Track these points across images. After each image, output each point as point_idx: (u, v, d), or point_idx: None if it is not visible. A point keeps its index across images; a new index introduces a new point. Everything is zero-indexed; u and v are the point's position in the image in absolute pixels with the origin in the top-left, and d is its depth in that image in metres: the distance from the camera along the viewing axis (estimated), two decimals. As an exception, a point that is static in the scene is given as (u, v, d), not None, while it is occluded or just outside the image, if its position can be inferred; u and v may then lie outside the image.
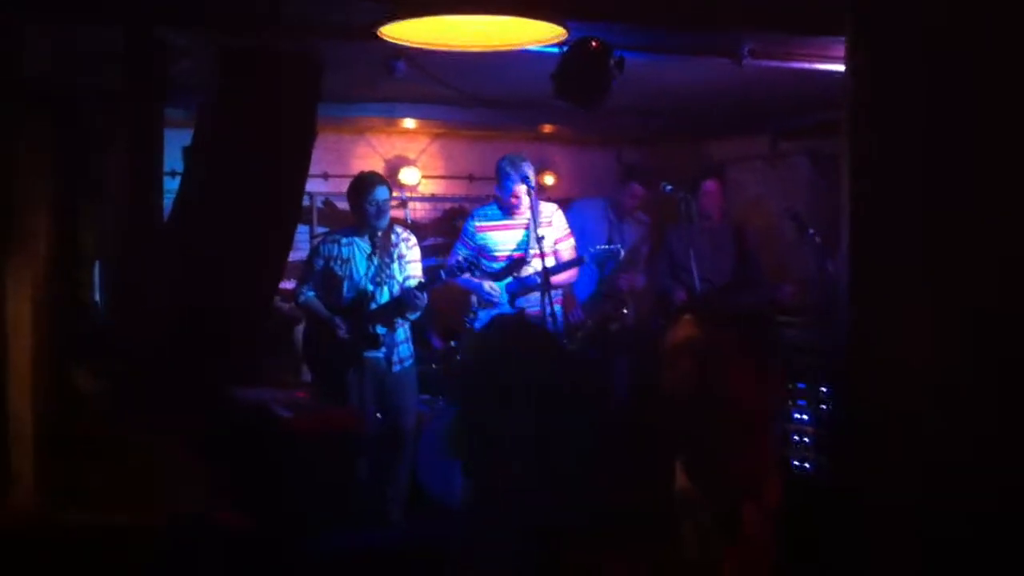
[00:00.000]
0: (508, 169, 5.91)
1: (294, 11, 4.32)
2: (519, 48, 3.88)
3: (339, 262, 5.77)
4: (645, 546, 1.77)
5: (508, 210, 5.98)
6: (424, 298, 5.69)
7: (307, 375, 6.60)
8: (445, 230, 7.77)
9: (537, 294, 5.81)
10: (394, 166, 7.61)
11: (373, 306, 5.71)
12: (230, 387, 4.85)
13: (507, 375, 1.75)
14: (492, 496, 1.69)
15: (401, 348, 5.84)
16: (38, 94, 4.80)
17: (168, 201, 4.68)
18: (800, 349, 6.42)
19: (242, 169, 4.56)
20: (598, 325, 6.30)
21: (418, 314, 5.87)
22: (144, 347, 4.27)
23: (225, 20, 4.29)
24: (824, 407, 5.43)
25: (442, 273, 5.72)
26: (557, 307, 5.95)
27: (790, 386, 6.37)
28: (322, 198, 7.33)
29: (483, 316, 6.03)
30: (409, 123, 7.40)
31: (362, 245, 5.78)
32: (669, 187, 6.42)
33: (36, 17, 4.11)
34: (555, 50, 4.79)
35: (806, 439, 6.09)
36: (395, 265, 5.78)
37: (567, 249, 6.07)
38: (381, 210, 5.72)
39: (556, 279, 5.87)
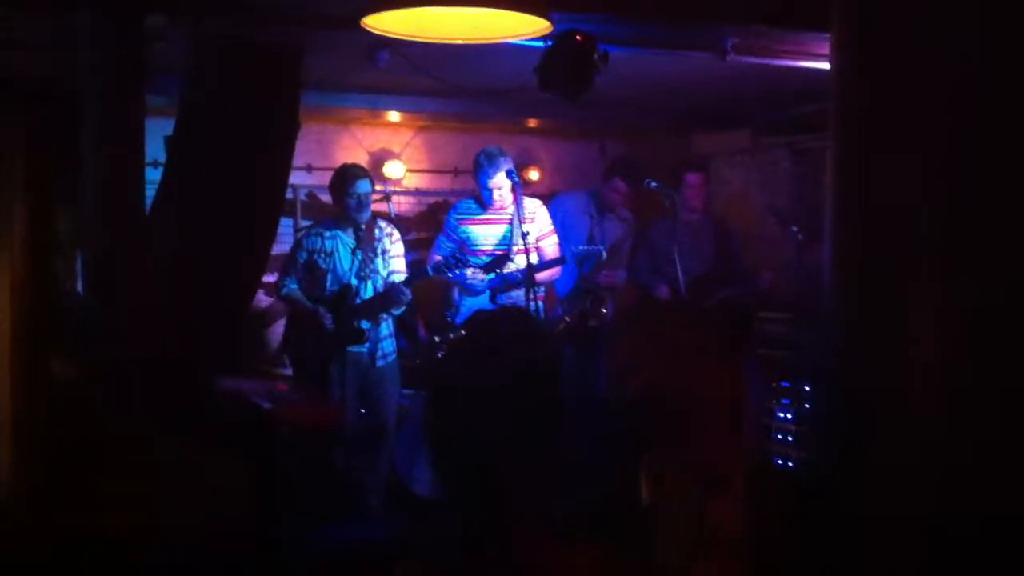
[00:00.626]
0: (483, 162, 5.85)
1: (278, 2, 4.31)
2: (503, 41, 3.87)
3: (322, 255, 5.75)
4: (612, 545, 1.76)
5: (486, 204, 5.94)
6: (409, 293, 5.67)
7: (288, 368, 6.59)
8: (429, 224, 7.75)
9: (520, 291, 5.78)
10: (378, 159, 7.58)
11: (357, 300, 5.70)
12: (211, 378, 4.83)
13: (482, 368, 1.74)
14: (457, 488, 1.69)
15: (385, 343, 5.83)
16: (13, 80, 4.77)
17: (151, 191, 4.66)
18: (782, 345, 6.44)
19: (224, 159, 4.55)
20: (576, 321, 6.28)
21: (403, 309, 5.86)
22: (125, 337, 4.25)
23: (204, 6, 4.27)
24: (808, 405, 5.44)
25: (428, 269, 5.70)
26: (540, 303, 5.94)
27: (773, 384, 6.39)
28: (306, 190, 7.31)
29: (464, 310, 5.99)
30: (393, 115, 7.38)
31: (345, 239, 5.76)
32: (654, 183, 6.42)
33: (12, 4, 4.09)
34: (540, 43, 4.80)
35: (789, 437, 6.11)
36: (379, 259, 5.76)
37: (550, 246, 6.03)
38: (363, 203, 5.70)
39: (538, 276, 5.83)
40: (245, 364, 6.96)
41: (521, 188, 5.86)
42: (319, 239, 5.77)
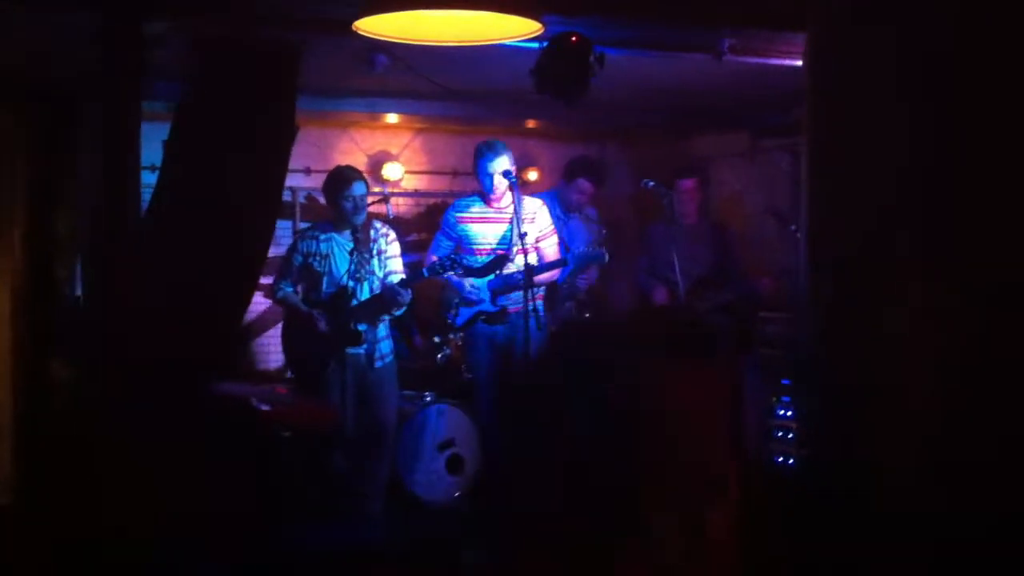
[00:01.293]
0: (483, 149, 5.84)
1: (273, 3, 4.32)
2: (496, 43, 3.88)
3: (318, 258, 5.75)
4: (607, 549, 1.75)
5: (489, 201, 5.89)
6: (407, 295, 5.67)
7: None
8: (428, 226, 7.75)
9: (520, 292, 5.76)
10: (377, 161, 7.59)
11: (354, 302, 5.70)
12: (209, 380, 4.84)
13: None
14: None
15: (382, 344, 5.83)
16: (13, 84, 4.79)
17: (148, 195, 4.67)
18: (782, 345, 6.44)
19: (220, 162, 4.56)
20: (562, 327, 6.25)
21: (402, 310, 5.86)
22: (121, 339, 4.26)
23: (201, 9, 4.28)
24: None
25: (424, 271, 5.69)
26: (539, 302, 5.91)
27: (773, 384, 6.39)
28: (304, 193, 7.31)
29: (464, 312, 5.99)
30: (392, 118, 7.38)
31: (341, 241, 5.76)
32: (651, 183, 6.41)
33: (10, 5, 4.10)
34: (536, 45, 4.80)
35: (789, 435, 6.12)
36: (375, 260, 5.77)
37: (550, 246, 6.01)
38: (358, 206, 5.71)
39: (539, 278, 5.81)
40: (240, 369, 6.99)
41: (519, 188, 5.84)
42: (314, 242, 5.77)
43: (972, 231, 1.73)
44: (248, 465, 4.72)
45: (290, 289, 5.83)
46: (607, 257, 6.09)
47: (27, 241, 5.05)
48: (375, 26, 3.52)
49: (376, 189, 7.44)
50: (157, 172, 4.86)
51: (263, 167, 4.75)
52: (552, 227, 6.08)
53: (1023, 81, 1.69)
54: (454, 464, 6.27)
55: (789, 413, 6.17)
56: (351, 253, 5.73)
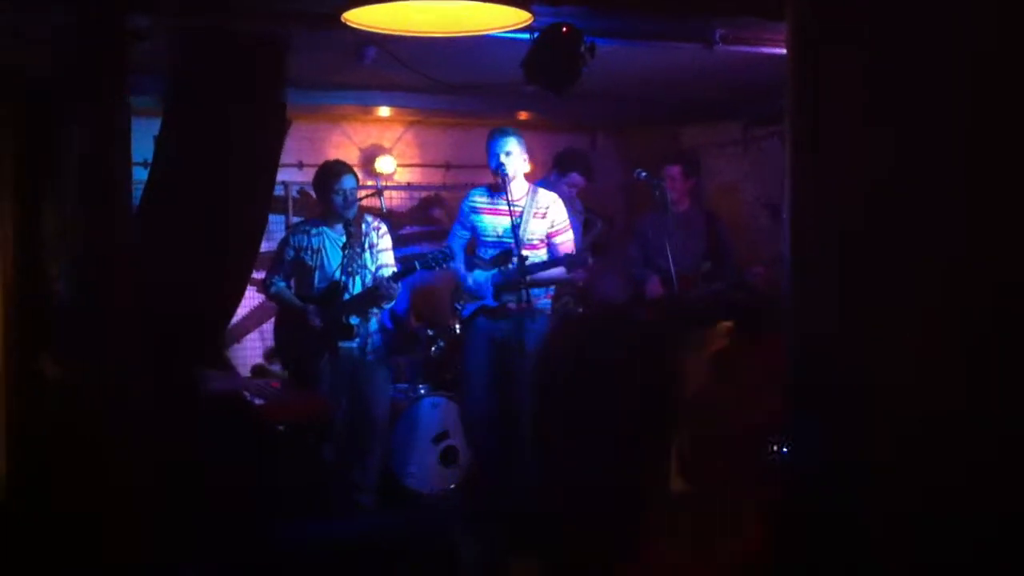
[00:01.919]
0: (493, 132, 5.69)
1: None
2: (484, 33, 3.87)
3: (309, 252, 5.75)
4: (636, 545, 1.75)
5: (498, 191, 5.74)
6: (398, 288, 5.67)
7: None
8: (421, 219, 7.76)
9: (534, 288, 5.64)
10: (370, 154, 7.59)
11: (346, 296, 5.70)
12: (201, 375, 4.84)
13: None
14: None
15: (374, 337, 5.83)
16: (2, 90, 4.76)
17: (139, 191, 4.66)
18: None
19: (210, 157, 4.55)
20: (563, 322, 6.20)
21: (392, 303, 5.85)
22: (115, 336, 4.25)
23: (186, 2, 4.27)
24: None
25: (416, 264, 5.67)
26: (546, 302, 5.84)
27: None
28: (297, 187, 7.31)
29: (468, 306, 5.92)
30: (384, 111, 7.38)
31: (332, 235, 5.76)
32: (644, 173, 6.40)
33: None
34: (526, 36, 4.80)
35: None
36: (367, 254, 5.76)
37: (565, 242, 5.83)
38: (348, 199, 5.70)
39: (544, 274, 5.73)
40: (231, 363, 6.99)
41: (511, 178, 5.70)
42: (305, 236, 5.77)
43: (959, 225, 1.72)
44: (242, 459, 4.72)
45: (283, 284, 5.83)
46: (590, 261, 6.01)
47: (16, 239, 5.03)
48: (363, 17, 3.51)
49: (369, 183, 7.44)
50: (149, 168, 4.86)
51: (254, 161, 4.75)
52: (567, 222, 5.90)
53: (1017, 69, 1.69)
54: (448, 456, 6.27)
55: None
56: (343, 248, 5.72)
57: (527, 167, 5.88)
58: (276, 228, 6.61)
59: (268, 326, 6.91)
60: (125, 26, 4.20)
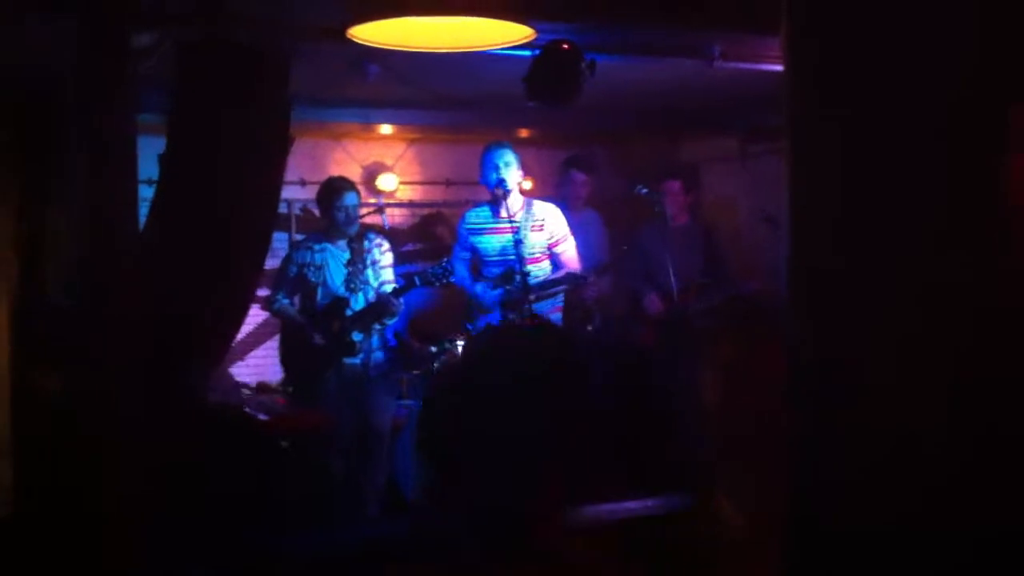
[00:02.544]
0: (489, 145, 5.72)
1: (262, 11, 4.34)
2: (487, 49, 3.91)
3: (312, 268, 5.78)
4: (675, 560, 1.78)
5: (495, 207, 5.78)
6: (400, 304, 5.70)
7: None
8: (423, 236, 7.79)
9: (547, 301, 5.67)
10: (371, 172, 7.63)
11: (348, 312, 5.72)
12: (205, 391, 4.86)
13: (488, 377, 1.75)
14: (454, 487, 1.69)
15: (377, 353, 5.85)
16: (5, 95, 4.80)
17: (144, 209, 4.68)
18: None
19: (214, 174, 4.58)
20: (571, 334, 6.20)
21: (395, 319, 5.88)
22: (120, 351, 4.27)
23: (187, 19, 4.30)
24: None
25: (417, 279, 5.69)
26: (557, 315, 5.83)
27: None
28: (300, 204, 7.35)
29: (480, 322, 5.92)
30: (386, 128, 7.42)
31: (335, 251, 5.80)
32: (644, 189, 6.43)
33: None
34: (527, 53, 4.84)
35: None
36: (369, 271, 5.79)
37: (567, 251, 5.84)
38: (350, 216, 5.75)
39: (551, 289, 5.74)
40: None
41: (511, 192, 5.71)
42: (308, 252, 5.81)
43: (954, 235, 1.76)
44: (245, 471, 4.74)
45: (286, 301, 5.87)
46: (591, 279, 6.01)
47: (20, 254, 5.06)
48: (367, 33, 3.56)
49: (371, 200, 7.48)
50: (154, 186, 4.88)
51: (258, 178, 4.77)
52: (567, 231, 5.89)
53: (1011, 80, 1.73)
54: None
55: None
56: (347, 264, 5.76)
57: (523, 181, 5.90)
58: (280, 245, 6.63)
59: (272, 343, 6.93)
60: (130, 43, 4.24)
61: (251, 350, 7.25)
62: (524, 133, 7.65)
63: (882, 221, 1.79)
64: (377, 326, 5.80)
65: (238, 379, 7.05)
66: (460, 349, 6.40)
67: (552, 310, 5.80)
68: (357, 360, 5.75)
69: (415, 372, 6.79)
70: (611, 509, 4.49)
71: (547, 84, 4.97)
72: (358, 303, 5.75)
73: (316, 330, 5.69)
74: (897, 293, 1.80)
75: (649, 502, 4.90)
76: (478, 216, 5.90)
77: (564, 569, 1.61)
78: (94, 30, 4.09)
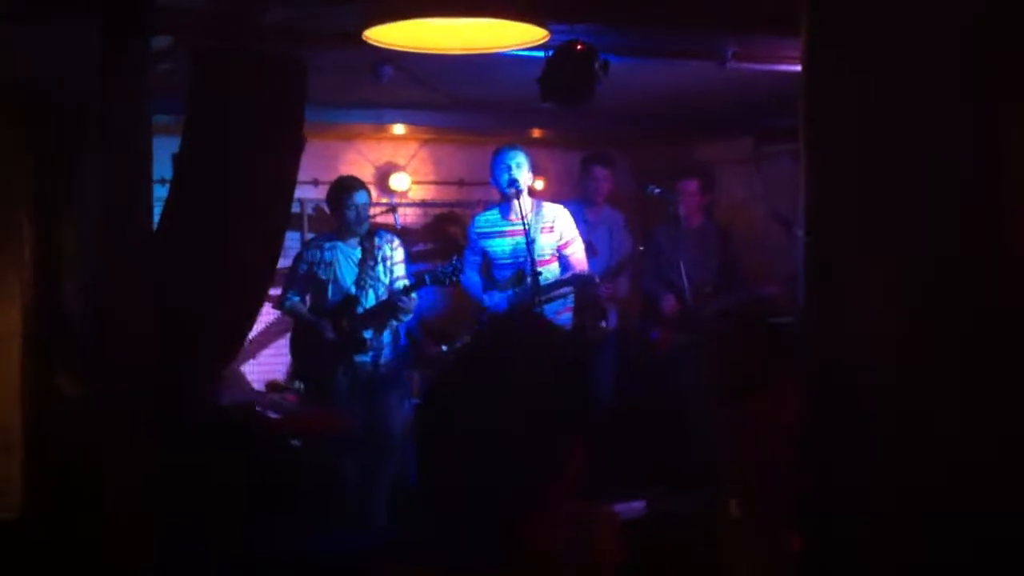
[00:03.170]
0: (498, 148, 5.73)
1: (279, 16, 4.35)
2: (502, 51, 3.91)
3: (322, 266, 5.80)
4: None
5: (505, 210, 5.79)
6: (411, 301, 5.70)
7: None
8: (435, 236, 7.79)
9: (554, 303, 5.66)
10: (384, 172, 7.63)
11: (359, 310, 5.73)
12: (217, 390, 4.87)
13: (485, 372, 1.75)
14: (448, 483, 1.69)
15: (388, 351, 5.86)
16: (18, 97, 4.81)
17: (159, 209, 4.69)
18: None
19: (228, 175, 4.59)
20: (576, 332, 6.17)
21: (408, 317, 5.88)
22: (132, 353, 4.28)
23: (206, 23, 4.31)
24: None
25: (427, 277, 5.69)
26: (567, 315, 5.82)
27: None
28: (313, 204, 7.35)
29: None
30: (398, 129, 7.42)
31: (346, 250, 5.82)
32: (657, 189, 6.42)
33: (10, 18, 4.13)
34: (540, 54, 4.84)
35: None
36: (380, 268, 5.80)
37: (576, 252, 5.85)
38: (361, 215, 5.76)
39: (559, 291, 5.73)
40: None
41: (525, 192, 5.69)
42: (319, 251, 5.83)
43: (971, 238, 1.75)
44: (258, 473, 4.75)
45: (297, 299, 5.88)
46: (597, 279, 5.97)
47: (36, 256, 5.07)
48: (381, 35, 3.56)
49: (383, 200, 7.49)
50: (168, 186, 4.89)
51: (271, 178, 4.78)
52: (576, 233, 5.90)
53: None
54: (463, 471, 6.26)
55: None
56: (358, 262, 5.77)
57: (535, 182, 5.89)
58: (292, 245, 6.63)
59: (284, 341, 6.94)
60: (147, 46, 4.25)
61: (263, 348, 7.26)
62: (537, 134, 7.65)
63: (900, 220, 1.78)
64: (393, 323, 5.80)
65: (250, 378, 7.07)
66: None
67: (563, 310, 5.80)
68: (368, 358, 5.76)
69: (426, 371, 6.80)
70: (619, 509, 4.48)
71: (561, 85, 4.97)
72: (368, 301, 5.76)
73: (327, 328, 5.69)
74: (914, 292, 1.79)
75: (658, 502, 4.90)
76: (487, 220, 5.90)
77: (561, 569, 1.60)
78: (114, 33, 4.10)
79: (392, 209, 7.52)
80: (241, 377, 6.97)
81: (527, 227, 5.58)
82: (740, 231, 7.03)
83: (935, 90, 1.75)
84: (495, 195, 6.17)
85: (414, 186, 7.70)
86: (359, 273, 5.77)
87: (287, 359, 6.27)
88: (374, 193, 6.91)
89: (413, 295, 5.69)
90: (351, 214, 5.75)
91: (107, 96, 4.24)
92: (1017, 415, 1.71)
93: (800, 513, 1.90)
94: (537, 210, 5.77)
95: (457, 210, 7.77)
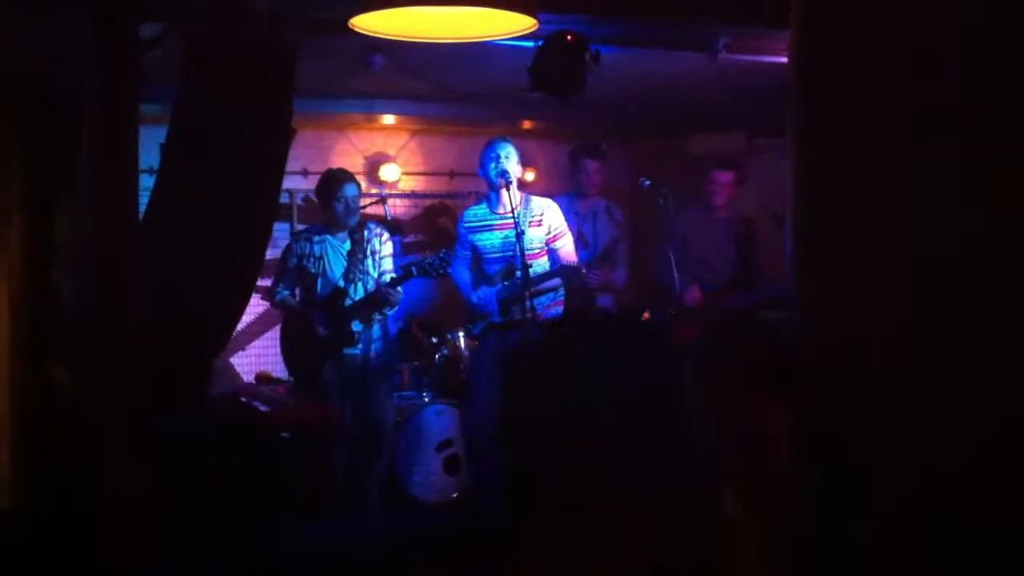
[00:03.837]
0: (490, 140, 5.69)
1: (269, 4, 4.32)
2: (492, 40, 3.88)
3: (312, 259, 5.79)
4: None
5: (494, 204, 5.76)
6: (398, 294, 5.69)
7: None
8: (425, 227, 7.78)
9: (540, 297, 5.64)
10: (374, 162, 7.61)
11: (348, 302, 5.72)
12: (207, 382, 4.85)
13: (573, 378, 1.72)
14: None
15: (377, 344, 5.84)
16: (8, 88, 4.78)
17: (145, 198, 4.67)
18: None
19: (216, 164, 4.56)
20: (569, 319, 6.13)
21: (394, 309, 5.87)
22: (121, 342, 4.26)
23: (196, 11, 4.29)
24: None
25: (414, 269, 5.67)
26: (557, 309, 5.80)
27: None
28: (302, 195, 7.34)
29: (479, 323, 5.88)
30: (388, 119, 7.40)
31: (335, 242, 5.81)
32: (648, 182, 6.40)
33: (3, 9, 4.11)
34: (531, 44, 4.81)
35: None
36: (368, 261, 5.79)
37: (565, 245, 5.81)
38: (350, 207, 5.75)
39: (546, 284, 5.70)
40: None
41: (515, 185, 5.67)
42: (308, 243, 5.82)
43: (961, 229, 1.74)
44: (248, 466, 4.73)
45: (287, 292, 5.88)
46: (585, 271, 5.92)
47: (25, 244, 5.05)
48: (370, 23, 3.53)
49: (374, 191, 7.47)
50: (155, 175, 4.87)
51: (260, 168, 4.75)
52: (564, 226, 5.86)
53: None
54: (452, 464, 6.27)
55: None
56: (348, 255, 5.76)
57: (526, 173, 5.86)
58: (281, 235, 6.63)
59: (273, 333, 6.92)
60: (135, 34, 4.22)
61: (252, 340, 7.24)
62: (528, 125, 7.63)
63: (892, 212, 1.76)
64: (378, 316, 5.79)
65: (239, 369, 7.06)
66: (461, 342, 6.40)
67: (552, 304, 5.78)
68: (357, 350, 5.75)
69: (415, 363, 6.80)
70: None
71: (551, 75, 4.94)
72: (357, 293, 5.75)
73: (317, 321, 5.69)
74: (908, 282, 1.77)
75: (656, 499, 4.89)
76: (476, 214, 5.86)
77: (568, 563, 1.59)
78: (102, 19, 4.07)
79: (382, 200, 7.49)
80: (230, 369, 6.95)
81: (516, 220, 5.54)
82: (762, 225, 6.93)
83: (930, 82, 1.74)
84: (485, 187, 6.15)
85: (404, 177, 7.68)
86: (348, 266, 5.76)
87: (277, 351, 6.25)
88: (364, 184, 6.89)
89: (399, 288, 5.68)
90: (341, 206, 5.74)
91: (96, 83, 4.21)
92: (1017, 415, 1.70)
93: (799, 513, 1.89)
94: (526, 203, 5.74)
95: (448, 201, 7.75)
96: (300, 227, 7.02)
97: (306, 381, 5.84)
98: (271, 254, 5.54)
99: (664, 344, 1.88)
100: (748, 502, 1.81)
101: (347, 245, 5.79)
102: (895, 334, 1.77)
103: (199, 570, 4.29)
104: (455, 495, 6.26)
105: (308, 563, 4.46)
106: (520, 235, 5.48)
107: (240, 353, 7.17)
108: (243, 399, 5.53)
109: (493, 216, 5.76)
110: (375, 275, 5.79)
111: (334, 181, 5.80)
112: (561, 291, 5.85)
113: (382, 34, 3.64)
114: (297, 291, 5.93)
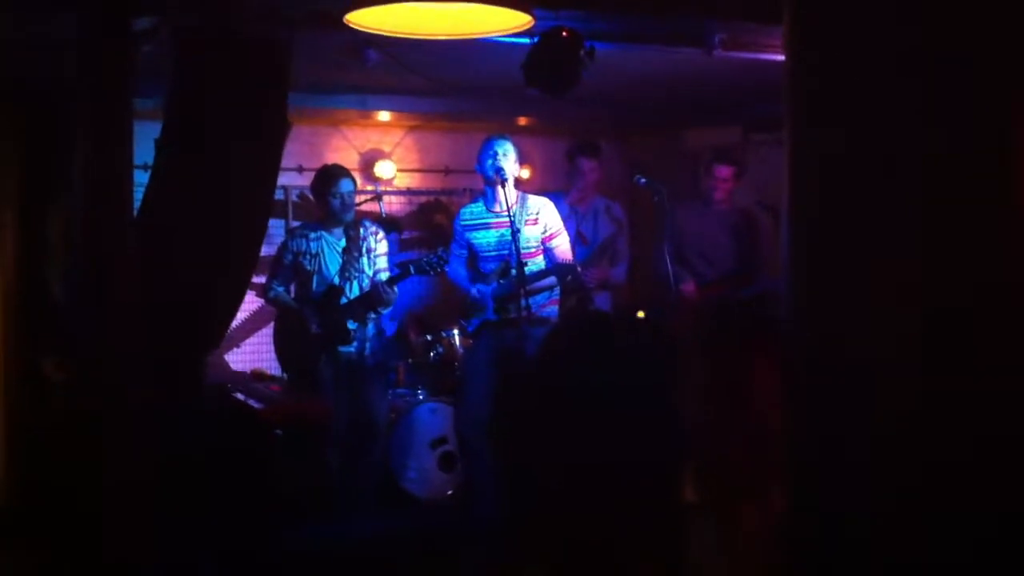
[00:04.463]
0: (488, 137, 5.65)
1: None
2: (486, 36, 3.88)
3: (307, 256, 5.77)
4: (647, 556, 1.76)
5: (490, 202, 5.72)
6: (394, 292, 5.67)
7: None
8: (420, 224, 7.76)
9: (543, 295, 5.63)
10: (369, 159, 7.59)
11: (343, 300, 5.71)
12: (200, 379, 4.84)
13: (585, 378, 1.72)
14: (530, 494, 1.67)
15: (372, 342, 5.83)
16: (2, 87, 4.77)
17: (140, 194, 4.66)
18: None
19: (211, 160, 4.55)
20: (564, 319, 6.10)
21: (390, 308, 5.85)
22: (114, 339, 4.25)
23: (190, 4, 4.27)
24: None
25: (412, 268, 5.66)
26: (552, 308, 5.78)
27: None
28: (297, 191, 7.32)
29: (474, 321, 5.86)
30: (384, 115, 7.38)
31: (330, 239, 5.79)
32: (643, 179, 6.37)
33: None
34: (526, 40, 4.80)
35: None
36: (364, 259, 5.78)
37: (561, 245, 5.75)
38: (346, 203, 5.74)
39: (542, 283, 5.69)
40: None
41: (512, 183, 5.64)
42: (304, 240, 5.80)
43: (955, 224, 1.73)
44: (242, 462, 4.72)
45: (281, 289, 5.86)
46: (579, 269, 5.85)
47: (18, 241, 5.04)
48: (365, 19, 3.52)
49: (369, 187, 7.45)
50: (149, 171, 4.85)
51: (255, 164, 4.74)
52: (561, 225, 5.80)
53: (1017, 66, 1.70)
54: (446, 461, 6.27)
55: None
56: (343, 252, 5.74)
57: (520, 173, 5.83)
58: (276, 232, 6.61)
59: (267, 330, 6.91)
60: (129, 29, 4.21)
61: (247, 337, 7.22)
62: (523, 121, 7.62)
63: (889, 214, 1.76)
64: (372, 315, 5.78)
65: (234, 366, 7.04)
66: (456, 340, 6.38)
67: (548, 303, 5.76)
68: (352, 348, 5.74)
69: (410, 361, 6.79)
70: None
71: (546, 71, 4.93)
72: (353, 291, 5.74)
73: (312, 318, 5.67)
74: (900, 280, 1.77)
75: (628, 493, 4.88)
76: (472, 212, 5.83)
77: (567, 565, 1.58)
78: (95, 16, 4.06)
79: (377, 197, 7.48)
80: (225, 365, 6.94)
81: (512, 218, 5.52)
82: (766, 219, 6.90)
83: (924, 80, 1.73)
84: (480, 183, 6.13)
85: (399, 174, 7.66)
86: (343, 263, 5.75)
87: (271, 348, 6.23)
88: (359, 180, 6.87)
89: (394, 286, 5.66)
90: (336, 203, 5.72)
91: (89, 79, 4.20)
92: (1017, 415, 1.69)
93: (799, 513, 1.88)
94: (522, 202, 5.70)
95: (443, 198, 7.74)
96: (295, 224, 7.01)
97: (301, 378, 5.82)
98: (265, 251, 5.53)
99: (655, 346, 1.88)
100: (707, 484, 1.81)
101: (343, 242, 5.78)
102: (891, 327, 1.76)
103: (194, 566, 4.29)
104: (450, 492, 6.25)
105: (303, 559, 4.46)
106: (516, 233, 5.45)
107: (235, 350, 7.16)
108: (236, 394, 5.53)
109: (489, 214, 5.73)
110: (370, 273, 5.78)
111: (329, 177, 5.78)
112: (556, 290, 5.82)
113: (378, 30, 3.64)
114: (291, 288, 5.91)
